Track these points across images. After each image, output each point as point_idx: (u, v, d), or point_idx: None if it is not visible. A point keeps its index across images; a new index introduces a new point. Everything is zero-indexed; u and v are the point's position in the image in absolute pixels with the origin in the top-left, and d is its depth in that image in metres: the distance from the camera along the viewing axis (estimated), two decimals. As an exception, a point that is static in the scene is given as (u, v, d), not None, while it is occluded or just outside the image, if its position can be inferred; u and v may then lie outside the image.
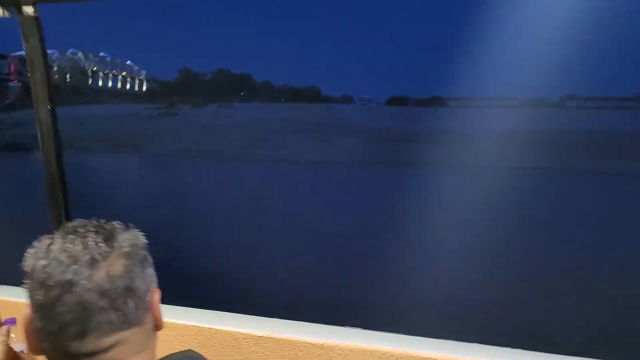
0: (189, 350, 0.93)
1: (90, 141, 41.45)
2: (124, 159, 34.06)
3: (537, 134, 43.57)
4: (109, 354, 0.76)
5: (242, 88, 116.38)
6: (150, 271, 0.83)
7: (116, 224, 0.83)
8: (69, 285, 0.73)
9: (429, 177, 29.02)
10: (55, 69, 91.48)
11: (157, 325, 0.84)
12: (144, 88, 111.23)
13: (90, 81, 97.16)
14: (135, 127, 47.51)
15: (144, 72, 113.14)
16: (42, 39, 1.81)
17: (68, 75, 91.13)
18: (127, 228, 0.83)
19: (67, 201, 1.82)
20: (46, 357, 0.78)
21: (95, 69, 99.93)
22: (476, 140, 42.22)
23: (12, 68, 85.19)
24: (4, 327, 1.07)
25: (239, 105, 69.98)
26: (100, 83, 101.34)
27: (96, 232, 0.78)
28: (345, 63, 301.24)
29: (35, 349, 0.79)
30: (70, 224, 0.81)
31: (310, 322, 1.71)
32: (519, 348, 1.54)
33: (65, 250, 0.75)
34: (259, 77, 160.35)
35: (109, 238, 0.78)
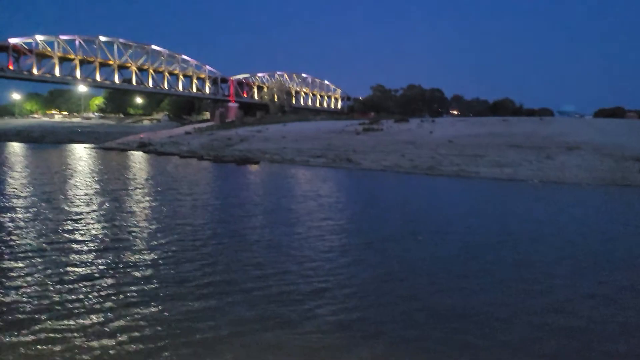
0: None
1: (308, 155, 43.61)
2: (351, 174, 34.62)
3: None
4: None
5: (433, 102, 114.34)
6: None
7: None
8: None
9: None
10: (265, 89, 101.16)
11: None
12: (339, 105, 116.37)
13: (293, 100, 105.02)
14: (344, 142, 48.77)
15: (339, 90, 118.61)
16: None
17: (275, 96, 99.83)
18: None
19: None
20: None
21: (298, 88, 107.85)
22: None
23: (232, 90, 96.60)
24: None
25: (441, 120, 67.91)
26: (302, 102, 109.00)
27: None
28: (539, 74, 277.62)
29: None
30: None
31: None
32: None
33: None
34: (449, 91, 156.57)
35: None
